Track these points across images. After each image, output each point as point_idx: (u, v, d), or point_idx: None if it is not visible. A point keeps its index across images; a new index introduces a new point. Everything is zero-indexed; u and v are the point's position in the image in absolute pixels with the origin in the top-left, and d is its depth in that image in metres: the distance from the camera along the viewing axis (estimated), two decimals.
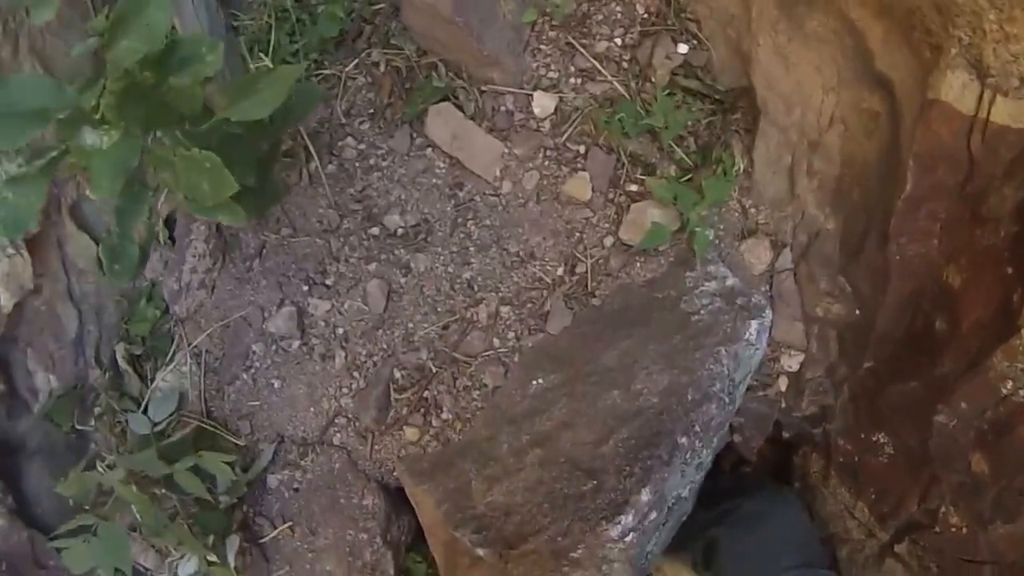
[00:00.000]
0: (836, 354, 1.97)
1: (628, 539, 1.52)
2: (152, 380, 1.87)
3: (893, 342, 1.86)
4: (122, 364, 1.92)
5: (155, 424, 1.79)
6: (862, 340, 1.93)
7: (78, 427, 1.92)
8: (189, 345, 1.86)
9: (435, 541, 1.80)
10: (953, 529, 1.73)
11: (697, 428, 1.63)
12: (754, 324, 1.75)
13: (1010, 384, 1.54)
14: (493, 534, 1.61)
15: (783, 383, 1.98)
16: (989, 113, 1.55)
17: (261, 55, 1.91)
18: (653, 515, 1.57)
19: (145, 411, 1.83)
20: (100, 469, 1.83)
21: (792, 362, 1.94)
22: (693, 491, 1.77)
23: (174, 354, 1.87)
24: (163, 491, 1.74)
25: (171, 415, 1.81)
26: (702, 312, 1.79)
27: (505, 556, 1.59)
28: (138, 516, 1.76)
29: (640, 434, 1.64)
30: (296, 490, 1.91)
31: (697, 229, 1.80)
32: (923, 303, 1.78)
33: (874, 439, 1.87)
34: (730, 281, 1.84)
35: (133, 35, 1.33)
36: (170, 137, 1.39)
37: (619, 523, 1.51)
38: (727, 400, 1.69)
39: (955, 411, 1.65)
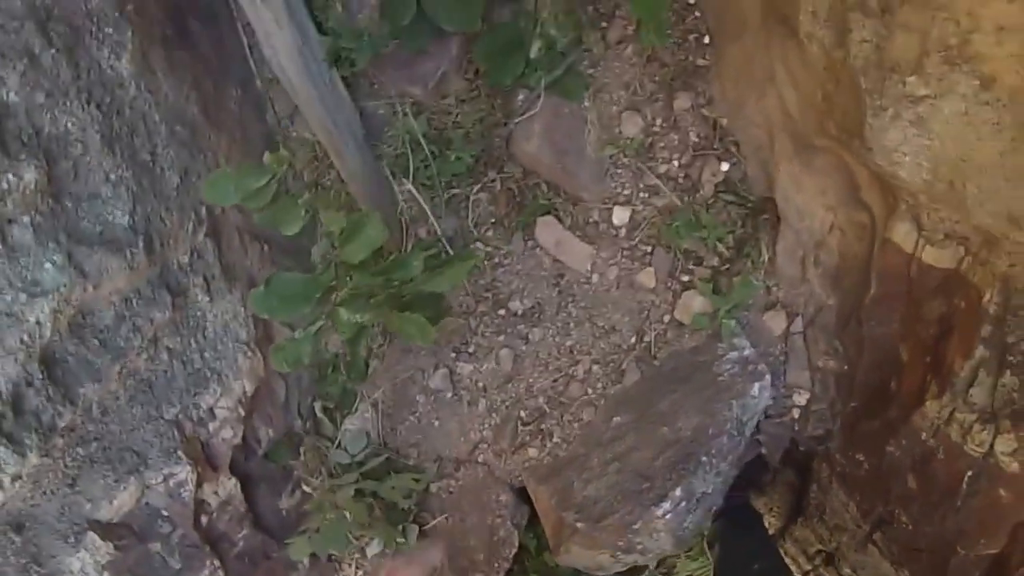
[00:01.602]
0: (833, 394, 2.82)
1: (667, 517, 2.42)
2: (341, 424, 2.67)
3: (867, 391, 2.67)
4: (319, 415, 2.69)
5: (353, 456, 2.58)
6: (848, 387, 2.77)
7: (289, 462, 2.62)
8: (369, 398, 2.63)
9: (546, 520, 2.75)
10: (903, 525, 2.49)
11: (713, 452, 2.54)
12: (756, 385, 2.61)
13: (924, 434, 2.28)
14: (586, 513, 2.52)
15: (796, 413, 2.82)
16: (921, 254, 2.21)
17: (403, 179, 2.65)
18: (683, 503, 2.46)
19: (339, 446, 2.62)
20: (306, 490, 2.62)
21: (801, 399, 2.79)
22: (717, 490, 2.62)
23: (357, 406, 2.67)
24: (364, 499, 2.54)
25: (364, 448, 2.59)
26: (725, 375, 2.67)
27: (594, 528, 2.48)
28: (348, 517, 2.56)
29: (677, 455, 2.54)
30: (451, 493, 2.74)
31: (724, 321, 2.62)
32: (885, 367, 2.57)
33: (857, 457, 2.67)
34: (747, 352, 2.68)
35: (356, 243, 2.00)
36: (387, 302, 2.10)
37: (661, 507, 2.41)
38: (736, 434, 2.58)
39: (898, 445, 2.41)
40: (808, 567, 3.03)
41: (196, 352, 2.22)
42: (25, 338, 1.78)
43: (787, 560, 3.18)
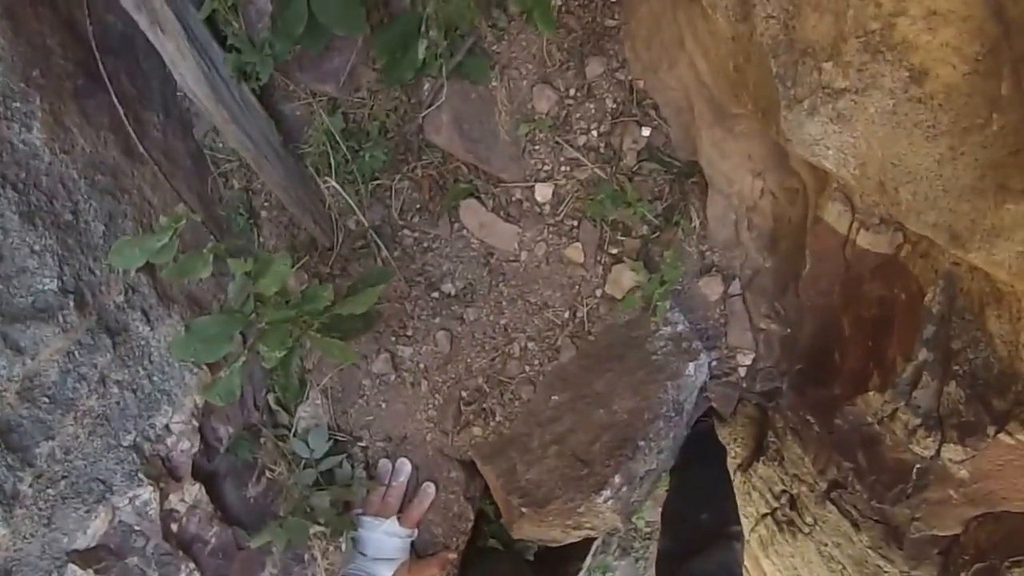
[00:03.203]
0: (778, 354, 2.47)
1: (609, 503, 2.24)
2: (295, 413, 2.63)
3: (811, 357, 2.35)
4: (273, 406, 2.73)
5: (312, 449, 2.61)
6: (792, 351, 2.41)
7: (252, 454, 2.62)
8: (318, 386, 2.70)
9: (497, 498, 2.52)
10: (858, 493, 2.27)
11: (651, 435, 2.30)
12: (692, 365, 2.37)
13: (869, 419, 2.04)
14: (530, 499, 2.36)
15: (742, 371, 2.52)
16: (857, 238, 1.96)
17: (327, 176, 2.47)
18: (624, 488, 2.25)
19: (295, 435, 2.62)
20: (270, 476, 2.72)
21: (746, 359, 2.51)
22: (663, 462, 2.42)
23: (308, 394, 2.61)
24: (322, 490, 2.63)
25: (327, 441, 2.60)
26: (659, 353, 2.39)
27: (539, 512, 2.34)
28: (307, 509, 2.66)
29: (614, 439, 2.32)
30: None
31: (658, 301, 2.36)
32: (828, 336, 2.25)
33: (807, 418, 2.41)
34: (680, 328, 2.40)
35: (267, 278, 2.03)
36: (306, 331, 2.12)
37: (602, 495, 2.24)
38: (674, 414, 2.32)
39: (845, 420, 2.15)
40: (775, 505, 2.86)
41: (144, 378, 2.21)
42: None
43: (754, 495, 3.01)
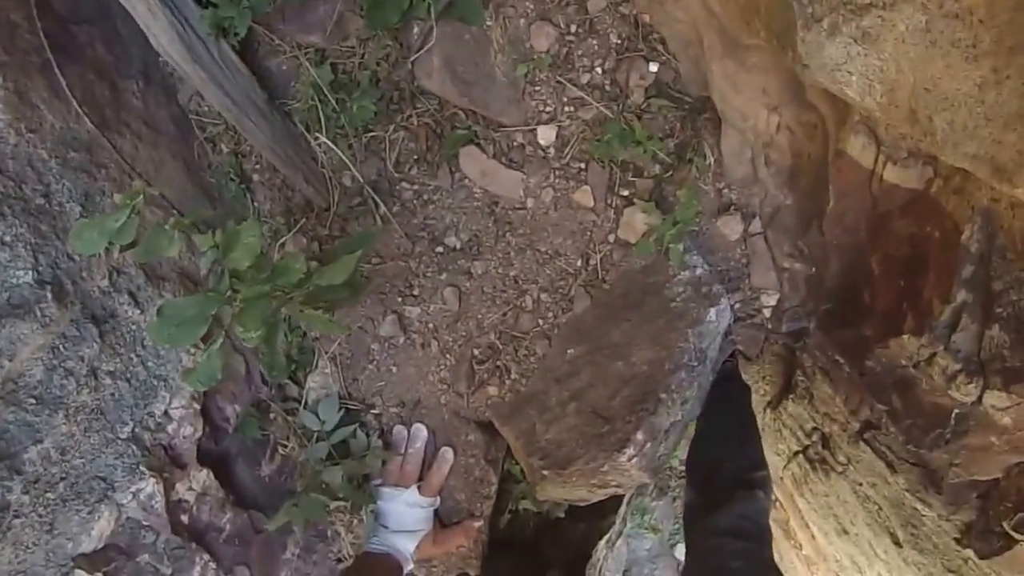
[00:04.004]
0: (804, 294, 2.34)
1: (634, 460, 2.15)
2: (305, 383, 2.55)
3: (839, 297, 2.21)
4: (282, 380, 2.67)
5: (323, 421, 2.48)
6: (818, 290, 2.28)
7: (262, 431, 2.55)
8: (326, 353, 2.61)
9: (519, 459, 2.45)
10: (892, 435, 2.17)
11: (673, 387, 2.20)
12: (713, 310, 2.24)
13: (903, 362, 1.91)
14: (551, 460, 2.27)
15: (767, 312, 2.39)
16: (883, 173, 1.82)
17: (317, 132, 2.36)
18: (649, 444, 2.16)
19: (306, 407, 2.54)
20: (283, 452, 2.64)
21: (771, 300, 2.38)
22: (688, 410, 2.31)
23: (316, 362, 2.53)
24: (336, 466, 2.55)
25: (339, 411, 2.51)
26: (678, 299, 2.27)
27: (561, 474, 2.25)
28: (323, 485, 2.58)
29: (635, 393, 2.22)
30: None
31: (671, 246, 2.22)
32: (856, 275, 2.11)
33: (837, 359, 2.28)
34: (699, 271, 2.27)
35: (237, 251, 1.93)
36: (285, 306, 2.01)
37: (624, 453, 2.14)
38: (696, 364, 2.21)
39: (878, 362, 2.03)
40: (807, 443, 2.78)
41: (138, 365, 2.13)
42: None
43: (785, 432, 2.92)
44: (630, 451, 2.18)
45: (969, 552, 2.07)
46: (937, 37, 1.24)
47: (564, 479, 2.29)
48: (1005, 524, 1.88)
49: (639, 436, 2.18)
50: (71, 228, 1.96)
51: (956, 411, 1.82)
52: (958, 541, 2.12)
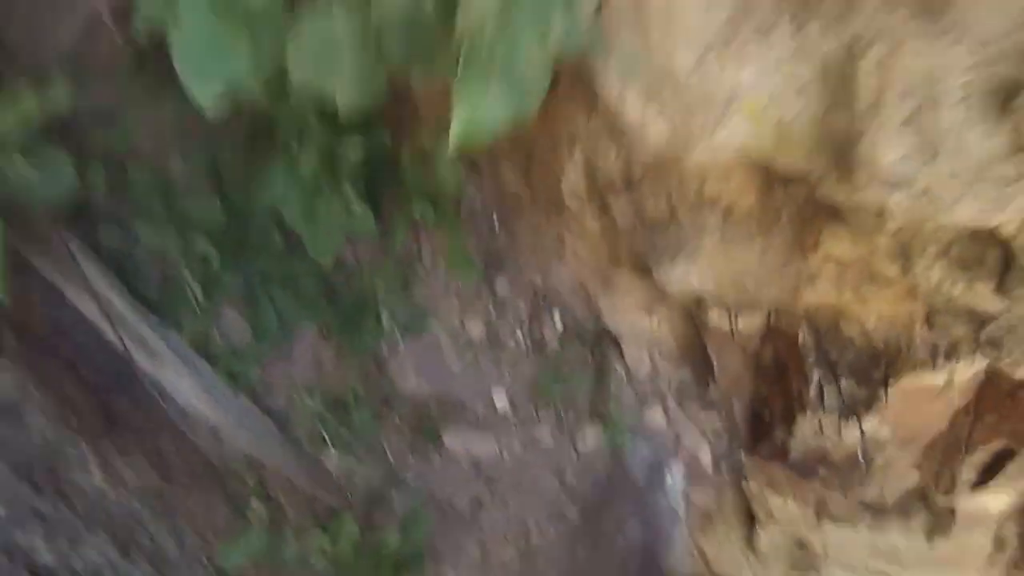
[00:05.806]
0: (726, 436, 3.16)
1: None
2: None
3: (749, 424, 3.07)
4: None
5: None
6: (733, 427, 3.12)
7: None
8: None
9: None
10: (836, 497, 2.97)
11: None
12: (668, 475, 3.11)
13: (810, 440, 2.74)
14: None
15: (708, 468, 3.26)
16: (739, 326, 2.69)
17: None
18: None
19: None
20: None
21: (705, 455, 3.14)
22: None
23: None
24: None
25: None
26: (641, 479, 3.11)
27: None
28: None
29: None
30: None
31: (620, 443, 3.08)
32: (754, 402, 2.97)
33: (771, 472, 3.06)
34: (646, 453, 3.12)
35: None
36: None
37: None
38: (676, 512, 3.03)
39: (799, 449, 2.80)
40: (789, 560, 3.35)
41: None
42: None
43: (770, 561, 3.43)
44: None
45: None
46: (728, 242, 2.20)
47: None
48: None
49: None
50: None
51: (859, 450, 2.60)
52: None
